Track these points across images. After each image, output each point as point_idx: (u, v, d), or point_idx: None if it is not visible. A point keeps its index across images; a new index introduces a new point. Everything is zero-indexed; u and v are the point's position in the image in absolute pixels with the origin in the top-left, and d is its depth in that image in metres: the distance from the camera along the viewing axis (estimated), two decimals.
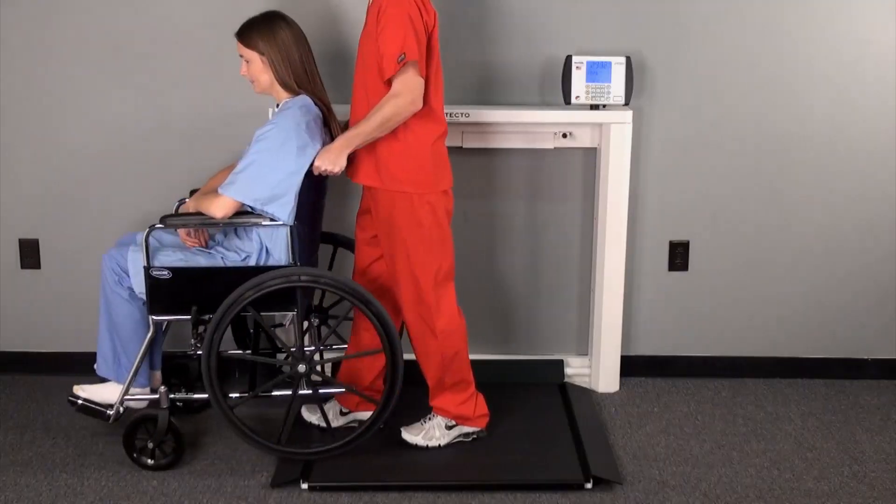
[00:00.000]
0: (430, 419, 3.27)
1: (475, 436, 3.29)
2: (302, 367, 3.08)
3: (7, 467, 3.18)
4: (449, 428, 3.25)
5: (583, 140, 3.64)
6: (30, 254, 3.77)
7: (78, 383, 3.11)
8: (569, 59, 3.51)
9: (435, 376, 3.20)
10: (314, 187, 3.14)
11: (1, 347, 3.86)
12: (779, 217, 3.76)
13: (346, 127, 3.18)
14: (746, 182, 3.72)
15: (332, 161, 2.97)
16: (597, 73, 3.49)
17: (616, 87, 3.51)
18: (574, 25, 3.59)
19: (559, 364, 3.81)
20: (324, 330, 3.46)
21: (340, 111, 3.26)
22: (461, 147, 3.58)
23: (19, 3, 3.56)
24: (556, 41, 3.60)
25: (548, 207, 3.74)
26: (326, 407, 3.34)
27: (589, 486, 3.05)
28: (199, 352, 3.06)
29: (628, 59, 3.50)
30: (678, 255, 3.79)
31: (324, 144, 3.04)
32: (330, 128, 3.15)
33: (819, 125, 3.68)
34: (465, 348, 3.22)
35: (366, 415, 3.31)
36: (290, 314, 3.11)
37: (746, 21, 3.60)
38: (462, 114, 3.47)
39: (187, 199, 3.23)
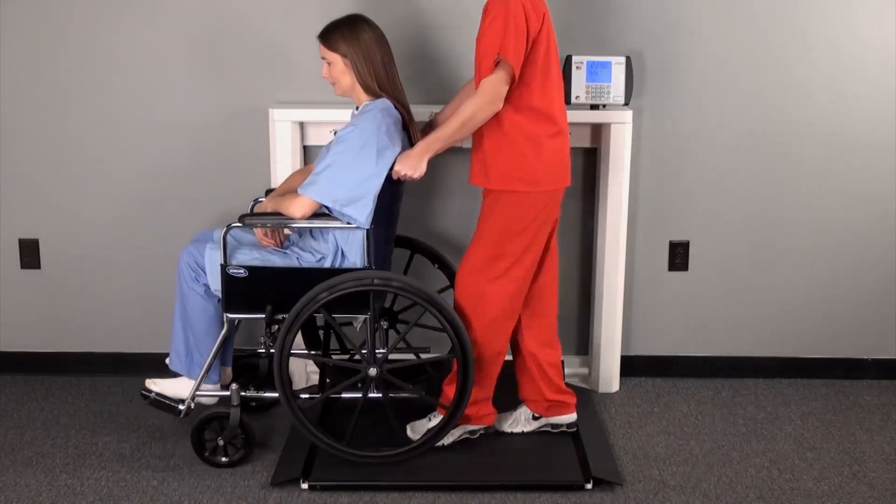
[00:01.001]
0: (435, 416, 3.26)
1: (482, 431, 3.28)
2: (373, 371, 3.08)
3: (7, 467, 3.18)
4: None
5: (583, 140, 3.64)
6: (30, 254, 3.77)
7: (75, 384, 3.10)
8: (569, 59, 3.51)
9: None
10: (391, 191, 3.12)
11: (1, 347, 3.87)
12: (779, 217, 3.76)
13: (428, 127, 3.22)
14: (746, 182, 3.72)
15: (413, 166, 2.97)
16: (597, 73, 3.49)
17: (616, 87, 3.51)
18: (574, 25, 3.60)
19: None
20: (392, 334, 3.50)
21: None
22: (461, 147, 3.58)
23: (21, 4, 3.56)
24: (557, 41, 3.59)
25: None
26: (518, 412, 3.35)
27: (589, 486, 3.04)
28: (272, 350, 3.06)
29: (628, 59, 3.50)
30: (678, 255, 3.79)
31: (403, 148, 3.04)
32: (409, 132, 3.15)
33: (819, 125, 3.68)
34: (501, 358, 3.19)
35: (559, 419, 3.32)
36: (362, 317, 3.11)
37: (746, 21, 3.60)
38: None
39: (262, 199, 3.26)
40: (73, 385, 3.76)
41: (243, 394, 3.17)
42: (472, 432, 3.27)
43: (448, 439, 3.23)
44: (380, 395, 3.13)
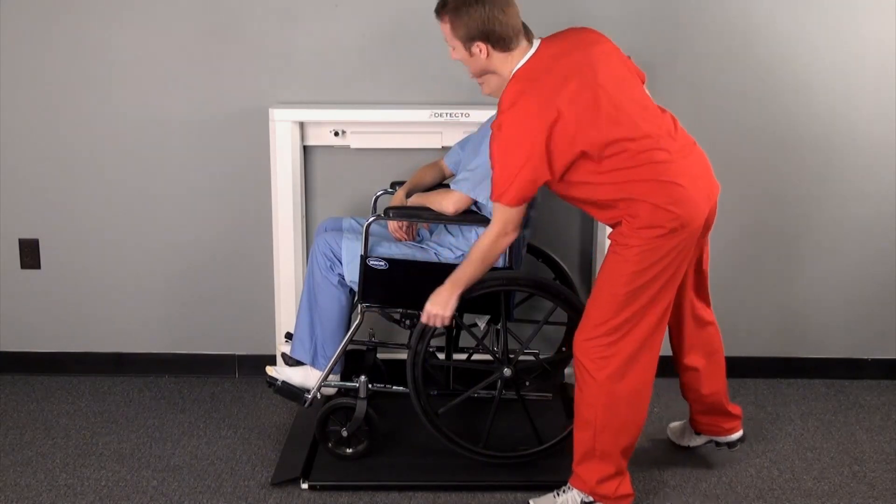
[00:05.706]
0: (564, 492, 2.95)
1: None
2: (507, 371, 3.07)
3: (7, 467, 3.18)
4: None
5: None
6: (30, 254, 3.77)
7: (75, 384, 3.07)
8: None
9: (585, 438, 2.87)
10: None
11: (1, 347, 3.87)
12: (779, 217, 3.76)
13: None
14: (746, 182, 3.72)
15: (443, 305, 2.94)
16: None
17: None
18: (573, 25, 3.59)
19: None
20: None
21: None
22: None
23: (20, 3, 3.56)
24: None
25: (547, 207, 3.74)
26: (683, 424, 3.31)
27: None
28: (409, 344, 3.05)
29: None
30: None
31: None
32: None
33: (819, 125, 3.68)
34: (640, 420, 2.90)
35: (724, 438, 3.19)
36: (486, 316, 3.10)
37: (747, 21, 3.59)
38: (462, 114, 3.47)
39: (381, 192, 3.34)
40: (73, 385, 3.76)
41: (371, 387, 3.12)
42: None
43: None
44: (509, 395, 3.11)
